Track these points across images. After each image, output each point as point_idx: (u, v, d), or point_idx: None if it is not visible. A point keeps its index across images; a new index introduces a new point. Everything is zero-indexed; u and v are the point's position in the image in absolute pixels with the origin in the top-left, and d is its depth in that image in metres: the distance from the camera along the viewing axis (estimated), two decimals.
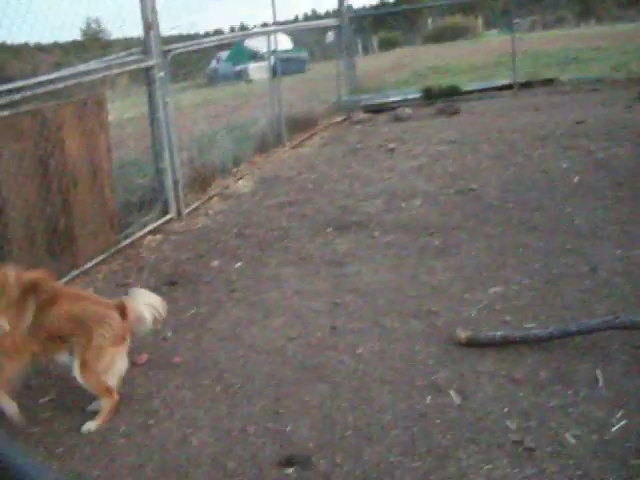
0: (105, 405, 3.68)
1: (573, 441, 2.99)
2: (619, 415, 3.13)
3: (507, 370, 3.62)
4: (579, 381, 3.45)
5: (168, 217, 6.99)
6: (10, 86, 5.24)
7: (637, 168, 7.09)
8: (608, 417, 3.14)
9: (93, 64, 6.25)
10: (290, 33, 17.52)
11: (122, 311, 3.78)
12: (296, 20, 14.27)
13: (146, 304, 3.89)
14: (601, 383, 3.41)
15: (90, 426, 3.63)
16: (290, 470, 3.05)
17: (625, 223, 5.57)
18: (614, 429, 3.04)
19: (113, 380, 3.73)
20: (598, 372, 3.50)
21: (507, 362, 3.70)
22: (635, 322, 3.73)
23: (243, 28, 12.48)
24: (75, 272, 5.57)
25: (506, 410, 3.27)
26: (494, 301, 4.45)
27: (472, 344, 3.88)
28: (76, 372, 3.66)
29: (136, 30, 6.78)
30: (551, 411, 3.23)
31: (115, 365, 3.74)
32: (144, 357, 4.27)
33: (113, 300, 3.91)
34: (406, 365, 3.80)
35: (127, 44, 7.21)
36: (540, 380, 3.50)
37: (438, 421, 3.25)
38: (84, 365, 3.64)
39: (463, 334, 3.93)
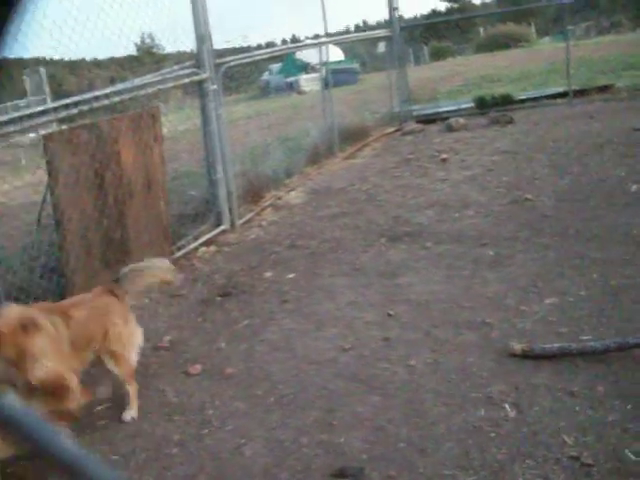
0: (133, 390, 3.87)
1: (633, 458, 2.91)
2: None
3: (563, 383, 3.55)
4: (638, 396, 3.36)
5: (221, 228, 7.05)
6: (67, 101, 5.36)
7: None
8: None
9: (147, 78, 6.35)
10: (341, 44, 17.59)
11: (112, 292, 4.00)
12: (347, 31, 14.32)
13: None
14: None
15: (131, 414, 3.82)
16: None
17: None
18: None
19: (135, 358, 3.98)
20: None
21: (563, 375, 3.63)
22: None
23: (295, 40, 12.56)
24: None
25: (563, 424, 3.20)
26: (550, 313, 4.37)
27: (527, 356, 3.83)
28: (110, 365, 3.84)
29: (189, 44, 6.88)
30: (609, 426, 3.15)
31: (136, 343, 4.01)
32: (198, 368, 4.30)
33: (97, 288, 4.11)
34: (460, 377, 3.76)
35: (180, 58, 7.30)
36: (598, 394, 3.42)
37: (493, 434, 3.20)
38: (114, 356, 3.84)
39: (518, 346, 3.88)
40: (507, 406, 3.42)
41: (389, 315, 4.68)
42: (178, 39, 6.75)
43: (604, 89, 13.35)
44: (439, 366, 3.91)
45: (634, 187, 6.82)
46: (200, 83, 6.77)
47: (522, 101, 13.37)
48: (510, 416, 3.34)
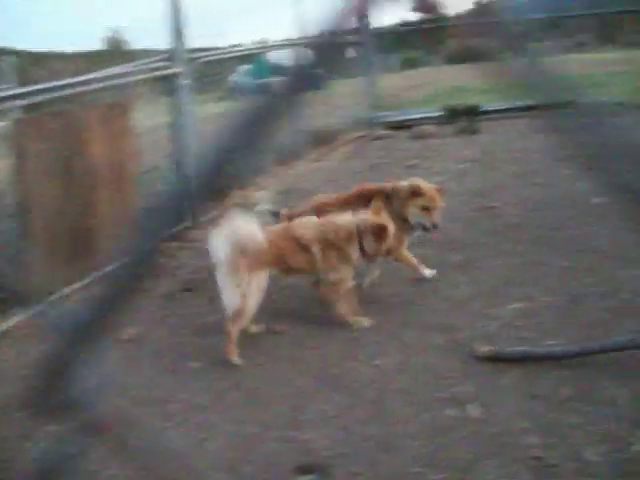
0: None
1: (594, 459, 2.95)
2: None
3: (527, 386, 3.59)
4: (600, 399, 3.41)
5: (185, 225, 6.99)
6: (37, 87, 5.29)
7: None
8: (629, 435, 3.10)
9: (119, 69, 6.28)
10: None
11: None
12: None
13: None
14: (622, 401, 3.37)
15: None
16: (307, 478, 3.03)
17: None
18: (634, 447, 3.01)
19: None
20: (620, 390, 3.46)
21: (527, 378, 3.67)
22: None
23: (266, 41, 12.57)
24: (95, 273, 5.58)
25: (527, 425, 3.24)
26: (515, 317, 4.42)
27: (492, 359, 3.86)
28: None
29: (164, 38, 6.83)
30: (572, 428, 3.20)
31: None
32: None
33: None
34: (426, 378, 3.78)
35: (155, 53, 7.26)
36: (561, 397, 3.46)
37: (458, 434, 3.22)
38: None
39: (483, 349, 3.91)
40: (473, 407, 3.44)
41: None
42: (153, 33, 6.70)
43: (570, 104, 13.54)
44: (405, 366, 3.93)
45: (596, 199, 6.92)
46: (173, 77, 6.72)
47: (490, 112, 13.50)
48: (475, 417, 3.37)
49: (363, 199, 4.97)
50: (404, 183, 5.11)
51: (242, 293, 4.09)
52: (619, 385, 3.52)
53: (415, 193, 4.94)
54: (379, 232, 4.40)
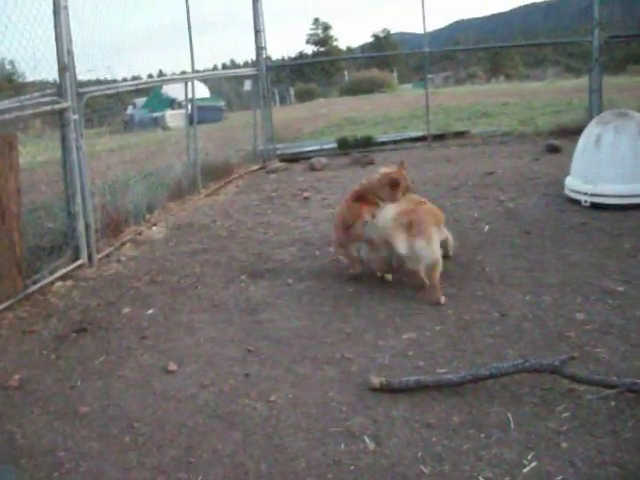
0: None
1: None
2: (530, 457, 3.18)
3: (420, 415, 3.64)
4: (491, 424, 3.49)
5: (79, 263, 6.82)
6: None
7: (544, 217, 7.35)
8: (519, 459, 3.18)
9: (4, 104, 6.10)
10: (207, 82, 17.61)
11: None
12: (215, 69, 14.33)
13: None
14: (512, 425, 3.46)
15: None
16: None
17: (533, 270, 5.74)
18: (525, 470, 3.08)
19: None
20: (509, 415, 3.55)
21: (420, 407, 3.72)
22: (544, 365, 3.82)
23: (161, 75, 12.44)
24: None
25: (420, 455, 3.28)
26: (407, 347, 4.48)
27: (386, 390, 3.90)
28: None
29: (51, 72, 6.69)
30: (464, 454, 3.25)
31: None
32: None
33: None
34: (320, 412, 3.77)
35: (42, 86, 7.08)
36: (453, 424, 3.52)
37: (353, 467, 3.23)
38: None
39: (376, 380, 3.95)
40: (367, 439, 3.46)
41: (249, 351, 4.66)
42: (39, 66, 6.54)
43: (460, 135, 14.03)
44: (299, 401, 3.91)
45: (487, 227, 7.16)
46: (61, 112, 6.57)
47: (383, 143, 13.82)
48: (369, 449, 3.38)
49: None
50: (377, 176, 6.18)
51: None
52: (508, 409, 3.61)
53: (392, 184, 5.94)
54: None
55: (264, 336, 4.89)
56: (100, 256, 7.17)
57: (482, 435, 3.40)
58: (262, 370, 4.35)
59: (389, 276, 5.84)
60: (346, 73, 40.54)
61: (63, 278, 6.52)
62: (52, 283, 6.35)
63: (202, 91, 19.22)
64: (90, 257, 6.99)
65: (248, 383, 4.20)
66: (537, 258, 6.05)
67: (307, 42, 54.95)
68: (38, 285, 6.18)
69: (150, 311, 5.62)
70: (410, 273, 5.50)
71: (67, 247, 6.81)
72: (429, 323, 4.84)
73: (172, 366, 4.51)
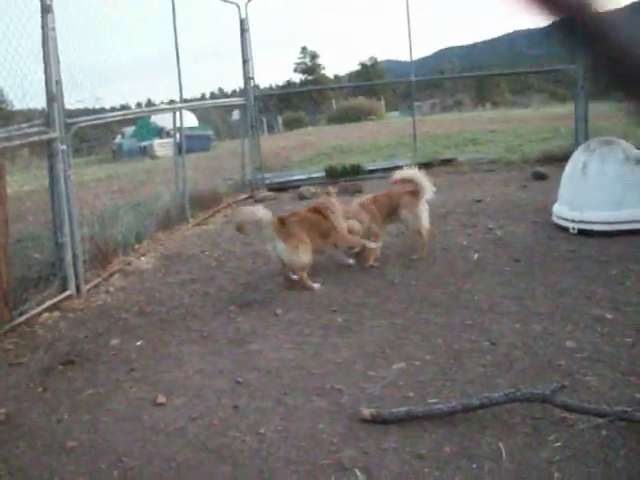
0: None
1: None
2: None
3: (412, 446, 3.61)
4: (483, 455, 3.47)
5: (67, 294, 6.79)
6: None
7: (533, 245, 7.38)
8: None
9: None
10: (196, 111, 17.67)
11: None
12: (203, 98, 14.38)
13: None
14: (504, 456, 3.44)
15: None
16: None
17: (522, 298, 5.75)
18: None
19: None
20: (501, 445, 3.53)
21: (411, 438, 3.69)
22: (535, 394, 3.81)
23: (149, 104, 12.48)
24: None
25: None
26: (397, 377, 4.46)
27: (376, 421, 3.87)
28: None
29: (39, 102, 6.70)
30: None
31: None
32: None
33: None
34: (310, 444, 3.74)
35: (31, 115, 7.09)
36: (445, 455, 3.50)
37: None
38: None
39: (367, 411, 3.92)
40: (357, 471, 3.43)
41: (238, 383, 4.62)
42: (27, 96, 6.54)
43: (447, 162, 14.12)
44: (289, 433, 3.88)
45: (476, 255, 7.17)
46: (49, 142, 6.57)
47: (371, 171, 13.87)
48: None
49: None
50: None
51: None
52: (500, 439, 3.59)
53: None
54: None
55: (253, 367, 4.86)
56: (88, 287, 7.13)
57: (474, 466, 3.38)
58: (251, 402, 4.32)
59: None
60: (334, 101, 40.80)
61: (50, 309, 6.47)
62: (39, 314, 6.31)
63: (190, 120, 19.31)
64: (78, 288, 6.96)
65: (237, 415, 4.16)
66: (526, 286, 6.06)
67: (295, 70, 55.40)
68: (25, 316, 6.13)
69: (139, 343, 5.58)
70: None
71: (55, 278, 6.77)
72: (419, 352, 4.83)
73: (161, 399, 4.47)
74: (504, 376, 4.35)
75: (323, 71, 53.24)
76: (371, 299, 6.09)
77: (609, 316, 5.19)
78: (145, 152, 26.34)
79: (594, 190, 7.52)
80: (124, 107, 10.93)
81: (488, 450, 3.51)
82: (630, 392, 3.97)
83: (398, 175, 7.36)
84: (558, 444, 3.50)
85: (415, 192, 7.33)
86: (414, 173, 7.38)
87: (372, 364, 4.72)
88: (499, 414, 3.84)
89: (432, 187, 7.37)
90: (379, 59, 54.75)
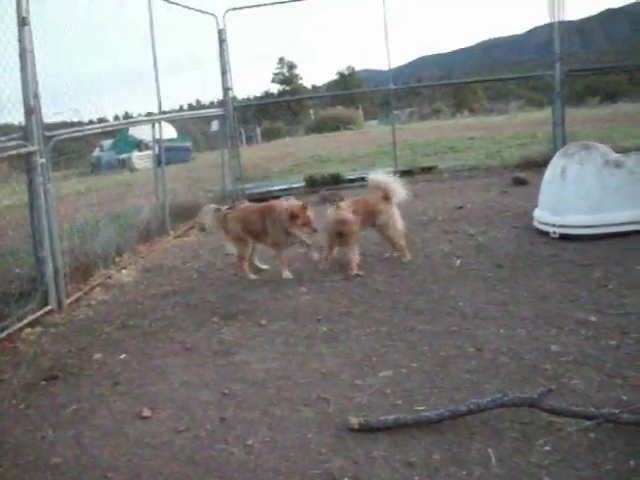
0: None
1: None
2: None
3: (401, 454, 3.59)
4: (472, 461, 3.45)
5: (48, 308, 6.72)
6: None
7: (515, 250, 7.41)
8: None
9: None
10: (174, 122, 17.62)
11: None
12: (181, 109, 14.34)
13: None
14: (493, 461, 3.42)
15: None
16: None
17: (506, 303, 5.76)
18: None
19: None
20: (490, 451, 3.52)
21: (400, 446, 3.67)
22: (522, 399, 3.81)
23: (128, 116, 12.43)
24: None
25: None
26: (384, 385, 4.44)
27: (365, 429, 3.85)
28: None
29: (18, 115, 6.64)
30: None
31: None
32: None
33: None
34: (298, 454, 3.71)
35: (8, 129, 7.02)
36: (434, 462, 3.48)
37: None
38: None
39: (355, 420, 3.90)
40: None
41: (224, 394, 4.58)
42: (4, 109, 6.48)
43: (427, 170, 14.17)
44: (277, 444, 3.85)
45: (458, 262, 7.18)
46: (28, 156, 6.51)
47: (351, 180, 13.86)
48: None
49: None
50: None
51: None
52: (489, 445, 3.58)
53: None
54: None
55: (239, 378, 4.83)
56: (70, 301, 7.07)
57: (464, 472, 3.36)
58: (238, 413, 4.28)
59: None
60: (312, 111, 40.87)
61: (32, 324, 6.41)
62: (21, 330, 6.24)
63: (169, 132, 19.25)
64: (59, 302, 6.89)
65: (224, 427, 4.13)
66: (510, 291, 6.07)
67: (272, 81, 55.41)
68: (6, 332, 6.06)
69: (122, 356, 5.53)
70: None
71: (35, 292, 6.71)
72: (405, 360, 4.81)
73: (146, 412, 4.43)
74: (491, 382, 4.34)
75: (301, 81, 53.42)
76: (356, 308, 6.07)
77: (593, 319, 5.20)
78: (124, 165, 26.23)
79: (574, 194, 7.57)
80: (102, 120, 10.87)
81: (477, 456, 3.50)
82: (616, 394, 3.98)
83: (369, 183, 7.61)
84: (547, 448, 3.50)
85: (387, 197, 7.42)
86: (382, 179, 7.51)
87: (359, 373, 4.70)
88: (487, 420, 3.83)
89: (403, 190, 7.46)
90: (357, 68, 55.01)
